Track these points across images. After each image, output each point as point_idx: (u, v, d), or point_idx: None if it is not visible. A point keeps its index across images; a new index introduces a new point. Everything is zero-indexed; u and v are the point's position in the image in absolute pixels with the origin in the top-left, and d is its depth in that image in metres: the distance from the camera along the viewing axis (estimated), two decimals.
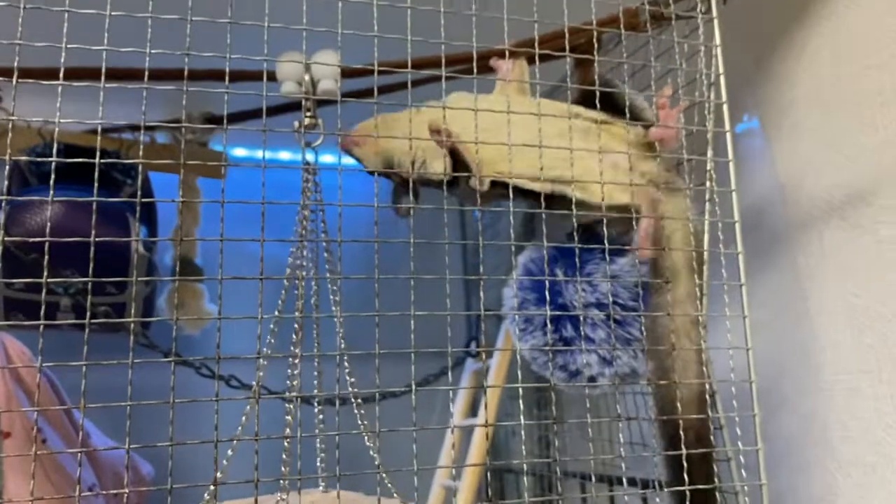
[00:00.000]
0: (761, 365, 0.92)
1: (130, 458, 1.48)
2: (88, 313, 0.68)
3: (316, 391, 0.96)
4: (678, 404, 0.88)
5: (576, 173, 0.91)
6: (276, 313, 0.93)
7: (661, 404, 0.94)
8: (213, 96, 0.77)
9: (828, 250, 1.24)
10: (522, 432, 0.79)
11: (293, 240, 0.93)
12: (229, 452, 0.90)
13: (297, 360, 0.91)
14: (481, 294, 0.84)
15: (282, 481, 0.90)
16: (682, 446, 0.85)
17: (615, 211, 0.96)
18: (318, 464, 0.98)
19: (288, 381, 0.96)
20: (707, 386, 0.90)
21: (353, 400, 1.00)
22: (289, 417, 0.92)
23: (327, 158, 1.15)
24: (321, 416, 1.02)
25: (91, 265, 0.65)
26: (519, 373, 0.80)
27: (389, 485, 0.92)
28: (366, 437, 0.95)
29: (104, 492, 1.37)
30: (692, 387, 0.91)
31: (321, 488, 1.03)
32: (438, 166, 1.00)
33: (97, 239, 0.67)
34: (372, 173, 1.00)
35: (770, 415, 1.31)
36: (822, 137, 1.26)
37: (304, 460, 0.93)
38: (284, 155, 1.93)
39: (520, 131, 0.87)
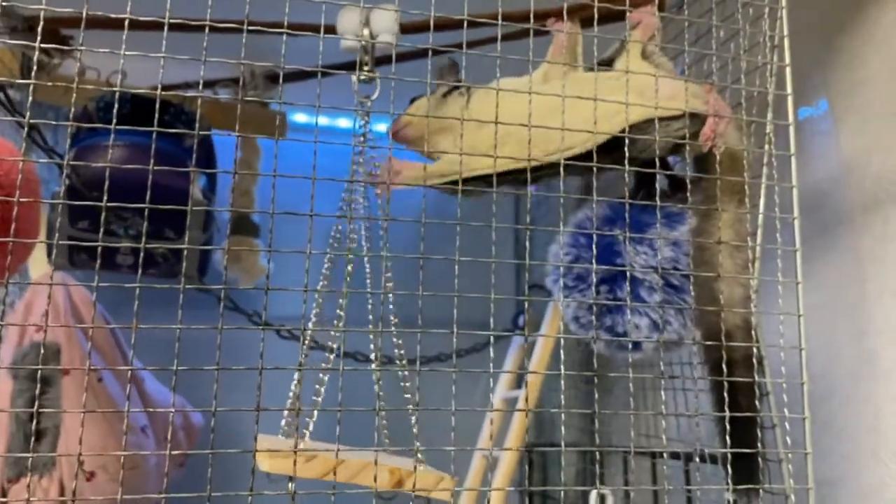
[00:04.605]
0: (814, 349, 0.90)
1: (182, 405, 1.53)
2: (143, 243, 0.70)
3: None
4: (722, 324, 0.91)
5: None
6: (326, 260, 0.94)
7: (705, 330, 0.96)
8: (276, 55, 0.78)
9: (892, 233, 1.20)
10: (563, 382, 0.79)
11: (342, 214, 0.94)
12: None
13: (342, 300, 0.92)
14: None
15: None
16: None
17: (675, 122, 0.95)
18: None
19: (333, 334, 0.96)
20: (755, 350, 0.89)
21: (398, 361, 1.01)
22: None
23: (381, 128, 1.15)
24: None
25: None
26: (561, 325, 0.80)
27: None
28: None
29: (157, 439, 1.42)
30: (737, 312, 0.94)
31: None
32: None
33: (155, 169, 0.68)
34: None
35: (822, 400, 1.28)
36: (893, 118, 1.22)
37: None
38: (343, 122, 1.96)
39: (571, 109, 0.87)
